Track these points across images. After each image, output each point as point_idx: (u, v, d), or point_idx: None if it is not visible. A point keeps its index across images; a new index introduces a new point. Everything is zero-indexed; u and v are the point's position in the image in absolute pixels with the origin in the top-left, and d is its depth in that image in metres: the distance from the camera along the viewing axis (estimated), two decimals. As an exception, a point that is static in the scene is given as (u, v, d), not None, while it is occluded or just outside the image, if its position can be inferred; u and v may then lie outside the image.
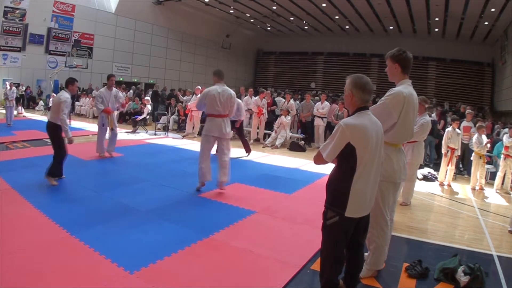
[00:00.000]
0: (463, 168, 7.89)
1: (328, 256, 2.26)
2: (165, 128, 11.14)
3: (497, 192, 6.31)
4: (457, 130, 6.52)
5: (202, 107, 4.84)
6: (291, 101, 10.50)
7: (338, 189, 2.17)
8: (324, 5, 17.30)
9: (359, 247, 2.38)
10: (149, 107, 11.42)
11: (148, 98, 12.05)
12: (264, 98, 10.00)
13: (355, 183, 2.11)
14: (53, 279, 2.43)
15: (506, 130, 7.20)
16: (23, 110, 14.12)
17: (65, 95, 4.73)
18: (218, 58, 24.87)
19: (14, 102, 10.56)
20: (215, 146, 5.46)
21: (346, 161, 2.13)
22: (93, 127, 11.12)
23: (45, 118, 12.50)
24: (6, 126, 9.82)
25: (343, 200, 2.11)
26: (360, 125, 2.11)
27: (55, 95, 14.57)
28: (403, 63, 2.66)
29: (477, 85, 20.08)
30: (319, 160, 2.23)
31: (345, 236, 2.22)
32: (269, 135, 9.73)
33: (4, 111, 11.08)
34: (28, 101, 16.02)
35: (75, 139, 8.86)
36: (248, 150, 7.75)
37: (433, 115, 9.16)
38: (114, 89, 6.75)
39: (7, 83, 10.95)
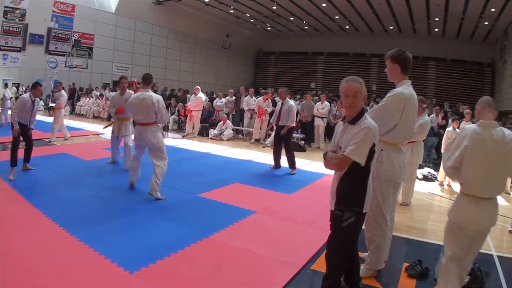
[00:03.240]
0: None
1: (340, 258, 2.25)
2: (165, 128, 11.14)
3: (497, 192, 6.30)
4: (457, 130, 6.52)
5: (129, 113, 4.91)
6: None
7: (356, 189, 2.16)
8: (324, 5, 17.30)
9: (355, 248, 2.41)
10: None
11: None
12: (268, 99, 9.98)
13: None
14: (53, 279, 2.43)
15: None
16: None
17: (25, 96, 5.21)
18: (218, 58, 24.87)
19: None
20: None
21: (367, 161, 2.14)
22: (93, 127, 11.13)
23: (45, 118, 12.52)
24: (7, 125, 9.81)
25: (361, 199, 2.15)
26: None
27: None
28: (403, 63, 2.66)
29: (477, 85, 20.07)
30: (344, 165, 2.14)
31: (358, 233, 2.28)
32: (269, 135, 9.73)
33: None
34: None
35: (75, 139, 8.92)
36: (293, 167, 6.32)
37: (433, 115, 9.16)
38: (128, 91, 5.85)
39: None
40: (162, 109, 4.44)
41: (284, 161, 6.46)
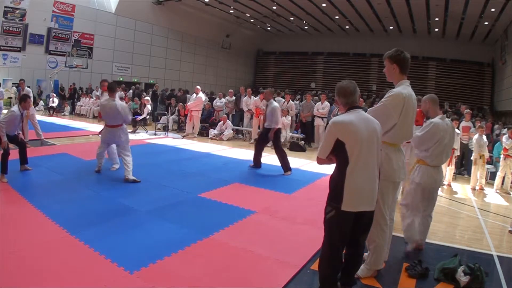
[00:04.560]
0: (463, 168, 7.89)
1: (325, 250, 2.34)
2: (165, 128, 11.14)
3: (497, 192, 6.32)
4: (456, 130, 6.53)
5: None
6: (290, 101, 10.50)
7: (335, 184, 2.28)
8: (324, 5, 17.29)
9: (358, 246, 2.40)
10: (149, 107, 11.43)
11: (148, 98, 12.07)
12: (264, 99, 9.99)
13: (349, 176, 2.20)
14: (53, 279, 2.43)
15: (505, 131, 7.18)
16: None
17: (15, 110, 5.03)
18: (218, 58, 24.85)
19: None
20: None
21: (340, 156, 2.25)
22: (93, 127, 11.14)
23: (45, 118, 12.52)
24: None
25: (339, 194, 2.21)
26: (346, 120, 2.25)
27: (55, 95, 14.68)
28: (402, 63, 2.66)
29: (477, 85, 20.06)
30: (319, 160, 2.37)
31: (342, 230, 2.27)
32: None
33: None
34: (28, 101, 15.97)
35: (75, 139, 8.92)
36: (286, 169, 6.18)
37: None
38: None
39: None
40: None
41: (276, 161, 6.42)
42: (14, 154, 5.05)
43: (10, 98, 14.71)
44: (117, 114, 5.15)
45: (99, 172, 5.43)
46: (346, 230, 2.27)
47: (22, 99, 5.17)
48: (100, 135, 6.02)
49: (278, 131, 6.31)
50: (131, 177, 5.03)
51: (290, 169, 6.24)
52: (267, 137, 6.35)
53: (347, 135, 2.21)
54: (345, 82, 2.39)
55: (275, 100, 6.77)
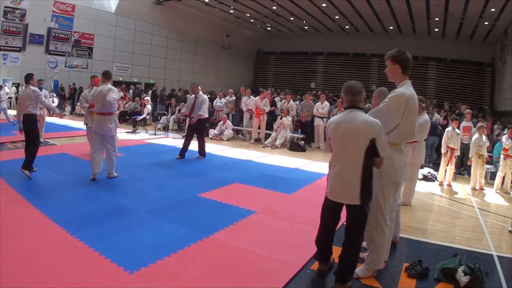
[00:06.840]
0: (463, 168, 7.88)
1: (319, 225, 2.77)
2: (165, 128, 11.14)
3: (497, 192, 6.31)
4: (456, 130, 6.53)
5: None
6: (291, 101, 10.49)
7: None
8: (324, 5, 17.30)
9: (347, 238, 2.55)
10: (149, 107, 11.43)
11: (148, 98, 12.06)
12: (264, 98, 9.98)
13: (329, 169, 2.62)
14: (53, 279, 2.43)
15: (505, 131, 7.18)
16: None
17: (32, 87, 5.20)
18: (218, 58, 24.87)
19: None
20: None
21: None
22: (93, 127, 11.12)
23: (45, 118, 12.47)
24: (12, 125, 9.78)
25: (328, 183, 2.64)
26: (331, 120, 2.65)
27: (55, 95, 14.67)
28: (404, 63, 2.66)
29: (477, 85, 20.08)
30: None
31: (325, 212, 2.68)
32: (270, 135, 9.73)
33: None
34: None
35: (75, 139, 8.91)
36: (201, 153, 7.19)
37: (438, 116, 9.15)
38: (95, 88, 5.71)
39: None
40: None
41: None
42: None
43: (10, 98, 14.73)
44: (103, 99, 4.96)
45: (93, 179, 5.01)
46: (330, 213, 2.65)
47: (29, 78, 5.33)
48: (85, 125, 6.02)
49: (203, 120, 7.09)
50: (113, 174, 5.18)
51: (204, 155, 7.16)
52: (200, 127, 7.04)
53: (330, 133, 2.60)
54: (353, 82, 2.58)
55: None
